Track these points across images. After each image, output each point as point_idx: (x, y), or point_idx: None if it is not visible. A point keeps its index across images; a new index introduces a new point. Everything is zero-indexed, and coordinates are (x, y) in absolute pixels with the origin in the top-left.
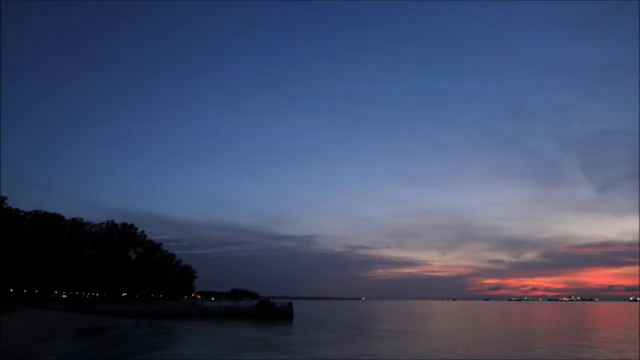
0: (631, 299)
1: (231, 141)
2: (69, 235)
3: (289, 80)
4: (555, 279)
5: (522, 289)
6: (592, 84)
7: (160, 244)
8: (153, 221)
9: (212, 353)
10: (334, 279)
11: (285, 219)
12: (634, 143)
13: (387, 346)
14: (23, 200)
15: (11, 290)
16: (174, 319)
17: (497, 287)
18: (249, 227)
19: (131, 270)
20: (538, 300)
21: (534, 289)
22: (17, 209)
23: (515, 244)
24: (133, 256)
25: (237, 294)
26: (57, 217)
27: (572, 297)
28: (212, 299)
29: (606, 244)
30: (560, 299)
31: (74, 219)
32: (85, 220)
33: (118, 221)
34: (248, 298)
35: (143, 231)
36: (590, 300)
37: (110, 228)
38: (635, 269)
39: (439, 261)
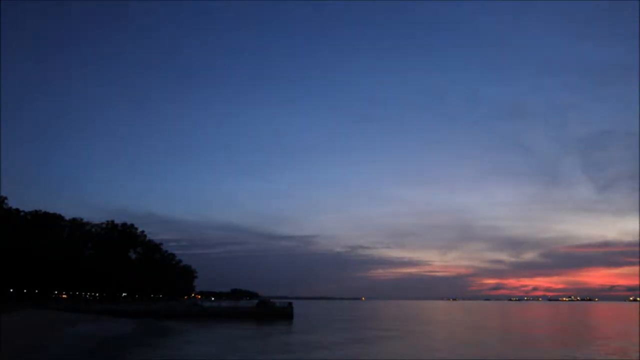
0: (631, 299)
1: (231, 141)
2: (69, 235)
3: (289, 80)
4: (555, 279)
5: (522, 289)
6: (592, 83)
7: (160, 244)
8: (153, 221)
9: (212, 353)
10: (334, 279)
11: (285, 219)
12: (634, 143)
13: (387, 346)
14: (23, 200)
15: (11, 290)
16: (174, 319)
17: (497, 287)
18: (249, 227)
19: (131, 270)
20: (538, 300)
21: (534, 289)
22: (17, 209)
23: (515, 244)
24: (133, 256)
25: (237, 294)
26: (57, 217)
27: (572, 297)
28: (212, 299)
29: (606, 244)
30: (560, 299)
31: (74, 219)
32: (85, 220)
33: (118, 221)
34: (248, 298)
35: (143, 231)
36: (590, 300)
37: (110, 228)
38: (635, 269)
39: (439, 261)
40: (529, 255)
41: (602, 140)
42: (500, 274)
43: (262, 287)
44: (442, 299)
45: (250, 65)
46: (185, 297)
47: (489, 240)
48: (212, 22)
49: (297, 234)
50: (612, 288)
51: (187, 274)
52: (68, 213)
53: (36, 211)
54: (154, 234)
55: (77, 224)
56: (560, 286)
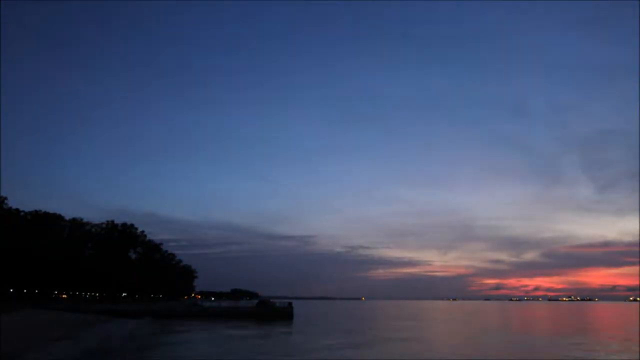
0: (631, 299)
1: (231, 141)
2: (69, 235)
3: (290, 80)
4: (555, 279)
5: (523, 289)
6: (593, 83)
7: (160, 244)
8: (153, 221)
9: (212, 353)
10: (334, 279)
11: (285, 219)
12: (635, 143)
13: (387, 346)
14: (23, 200)
15: (11, 290)
16: (174, 319)
17: (497, 287)
18: (249, 227)
19: (131, 270)
20: (538, 300)
21: (536, 288)
22: (17, 209)
23: (516, 243)
24: (133, 256)
25: (237, 294)
26: (57, 217)
27: (572, 297)
28: (212, 299)
29: (606, 243)
30: (560, 299)
31: (74, 219)
32: (85, 220)
33: (118, 221)
34: (248, 298)
35: (143, 231)
36: (590, 300)
37: (110, 228)
38: (635, 268)
39: (439, 261)
40: (529, 255)
41: (603, 140)
42: (501, 274)
43: (262, 287)
44: (442, 299)
45: (250, 65)
46: (185, 297)
47: (489, 240)
48: (211, 21)
49: (297, 234)
50: (613, 288)
51: (187, 274)
52: (68, 213)
53: (36, 211)
54: (154, 234)
55: (77, 224)
56: (560, 286)
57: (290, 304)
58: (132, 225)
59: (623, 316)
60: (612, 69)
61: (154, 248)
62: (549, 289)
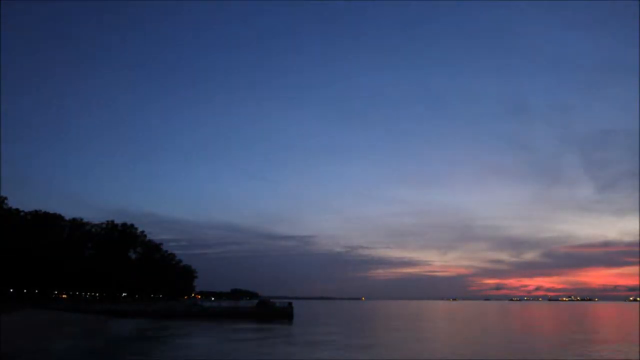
0: (631, 299)
1: (231, 141)
2: (69, 235)
3: (289, 80)
4: (555, 279)
5: (523, 289)
6: (593, 83)
7: (160, 244)
8: (153, 221)
9: (212, 353)
10: (334, 279)
11: (285, 219)
12: (635, 142)
13: (387, 346)
14: (23, 200)
15: (11, 290)
16: (174, 319)
17: (497, 287)
18: (249, 227)
19: (131, 270)
20: (538, 300)
21: (537, 288)
22: (17, 209)
23: (516, 243)
24: (133, 256)
25: (237, 294)
26: (57, 217)
27: (572, 297)
28: (212, 299)
29: (606, 243)
30: (560, 299)
31: (74, 219)
32: (85, 220)
33: (118, 221)
34: (248, 298)
35: (143, 231)
36: (590, 300)
37: (110, 228)
38: (635, 268)
39: (439, 261)
40: (529, 255)
41: (603, 139)
42: (501, 274)
43: (262, 287)
44: (442, 299)
45: (250, 64)
46: (185, 297)
47: (489, 240)
48: (211, 21)
49: (297, 234)
50: (615, 288)
51: (187, 274)
52: (68, 213)
53: (36, 211)
54: (154, 234)
55: (77, 224)
56: (560, 286)
57: (290, 304)
58: (132, 225)
59: (623, 316)
60: (612, 68)
61: (154, 248)
62: (549, 289)
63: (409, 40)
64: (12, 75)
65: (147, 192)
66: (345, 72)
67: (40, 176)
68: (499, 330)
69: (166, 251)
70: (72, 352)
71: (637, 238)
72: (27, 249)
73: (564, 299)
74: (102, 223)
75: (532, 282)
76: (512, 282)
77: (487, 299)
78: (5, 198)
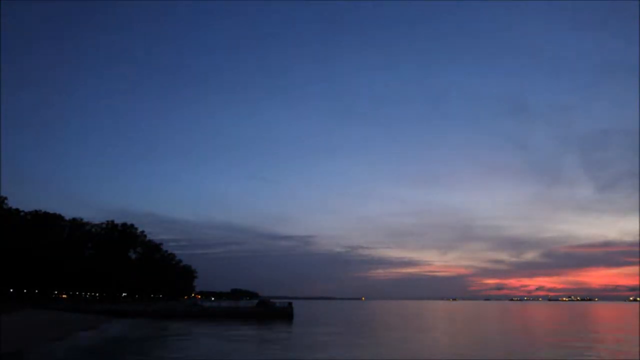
0: (631, 299)
1: (231, 141)
2: (69, 235)
3: (289, 80)
4: (555, 279)
5: (523, 289)
6: (593, 82)
7: (160, 244)
8: (153, 221)
9: (212, 353)
10: (334, 279)
11: (285, 219)
12: (635, 142)
13: (387, 346)
14: (23, 200)
15: (11, 290)
16: (174, 319)
17: (497, 287)
18: (249, 227)
19: (131, 270)
20: (538, 300)
21: (539, 288)
22: (17, 209)
23: (516, 243)
24: (133, 256)
25: (237, 294)
26: (57, 217)
27: (572, 297)
28: (212, 299)
29: (607, 243)
30: (560, 299)
31: (74, 219)
32: (85, 220)
33: (118, 221)
34: (248, 298)
35: (143, 231)
36: (590, 300)
37: (110, 228)
38: (635, 268)
39: (439, 261)
40: (529, 255)
41: (603, 139)
42: (501, 274)
43: (262, 287)
44: (442, 299)
45: (250, 64)
46: (185, 297)
47: (489, 240)
48: (211, 21)
49: (297, 234)
50: (615, 288)
51: (187, 274)
52: (68, 213)
53: (36, 211)
54: (154, 234)
55: (77, 224)
56: (560, 286)
57: (290, 304)
58: (132, 225)
59: (623, 316)
60: (612, 68)
61: (154, 248)
62: (548, 289)
63: (409, 40)
64: (12, 75)
65: (147, 192)
66: (345, 72)
67: (40, 176)
68: (498, 330)
69: (166, 251)
70: (72, 352)
71: (637, 238)
72: (27, 249)
73: (564, 299)
74: (102, 223)
75: (532, 282)
76: (512, 282)
77: (487, 299)
78: (5, 198)
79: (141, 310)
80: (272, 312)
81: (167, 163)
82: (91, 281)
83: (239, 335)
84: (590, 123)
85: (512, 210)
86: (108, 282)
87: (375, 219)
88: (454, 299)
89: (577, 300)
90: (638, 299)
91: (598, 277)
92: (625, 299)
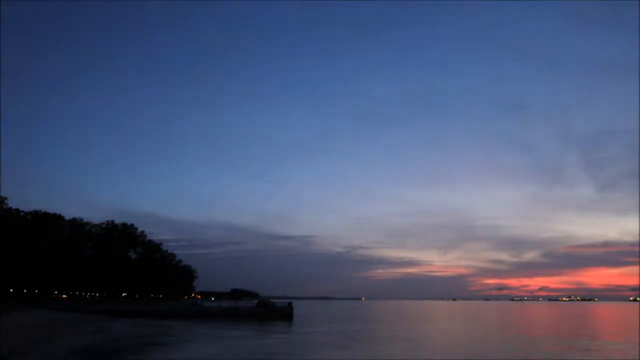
0: (631, 299)
1: (231, 141)
2: (69, 235)
3: (289, 81)
4: (555, 279)
5: (523, 289)
6: (594, 82)
7: (160, 244)
8: (153, 221)
9: (212, 353)
10: (334, 279)
11: (285, 219)
12: (635, 142)
13: (387, 346)
14: (23, 200)
15: (11, 290)
16: (174, 319)
17: (497, 287)
18: (249, 227)
19: (131, 270)
20: (538, 300)
21: (541, 288)
22: (17, 209)
23: (516, 243)
24: (133, 256)
25: (237, 294)
26: (57, 217)
27: (573, 297)
28: (212, 299)
29: (607, 243)
30: (560, 299)
31: (74, 219)
32: (85, 220)
33: (118, 221)
34: (248, 298)
35: (143, 231)
36: (590, 300)
37: (110, 228)
38: (635, 268)
39: (439, 261)
40: (529, 255)
41: (603, 139)
42: (501, 274)
43: (262, 287)
44: (442, 299)
45: (250, 64)
46: (185, 297)
47: (489, 240)
48: (211, 21)
49: (297, 234)
50: (615, 288)
51: (187, 274)
52: (68, 213)
53: (36, 211)
54: (154, 234)
55: (77, 224)
56: (560, 286)
57: (290, 303)
58: (132, 225)
59: (624, 316)
60: (612, 68)
61: (154, 248)
62: (549, 289)
63: (409, 41)
64: (12, 75)
65: (147, 192)
66: (344, 72)
67: (40, 176)
68: (498, 330)
69: (166, 251)
70: (72, 352)
71: (637, 238)
72: (27, 249)
73: (564, 299)
74: (102, 223)
75: (533, 282)
76: (512, 282)
77: (487, 299)
78: (5, 198)
79: (141, 310)
80: (272, 312)
81: (167, 163)
82: (91, 281)
83: (239, 336)
84: (590, 123)
85: (512, 210)
86: (108, 282)
87: (375, 219)
88: (454, 299)
89: (577, 300)
90: (638, 299)
91: (598, 277)
92: (626, 299)
